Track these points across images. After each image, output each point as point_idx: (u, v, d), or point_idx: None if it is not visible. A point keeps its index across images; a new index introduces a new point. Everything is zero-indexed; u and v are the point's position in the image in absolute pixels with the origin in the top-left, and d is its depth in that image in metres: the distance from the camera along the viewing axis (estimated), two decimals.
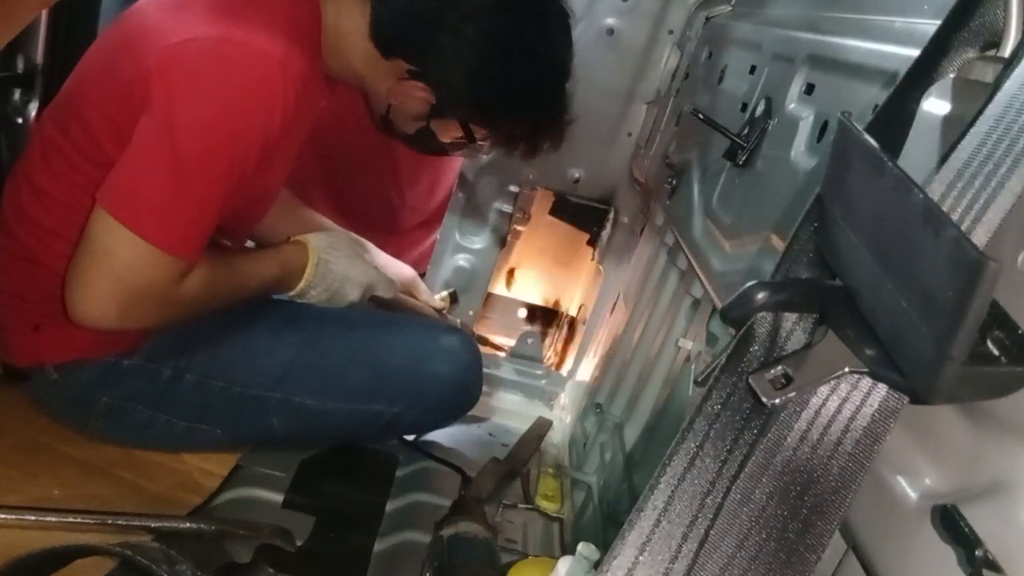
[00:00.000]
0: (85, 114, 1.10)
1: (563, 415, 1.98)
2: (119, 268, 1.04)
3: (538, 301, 2.21)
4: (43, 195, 1.14)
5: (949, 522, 0.51)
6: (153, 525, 1.07)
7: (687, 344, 1.34)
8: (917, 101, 0.62)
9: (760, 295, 0.54)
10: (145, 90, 1.03)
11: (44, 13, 1.40)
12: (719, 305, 1.09)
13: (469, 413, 1.87)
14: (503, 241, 2.02)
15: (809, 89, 1.00)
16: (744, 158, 1.10)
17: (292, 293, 1.27)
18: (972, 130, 0.50)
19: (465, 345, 1.45)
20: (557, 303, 2.22)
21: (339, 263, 1.30)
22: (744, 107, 1.19)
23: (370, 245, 1.52)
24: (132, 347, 1.22)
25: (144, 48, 1.06)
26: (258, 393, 1.27)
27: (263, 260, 1.26)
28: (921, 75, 0.61)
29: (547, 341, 2.20)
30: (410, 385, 1.36)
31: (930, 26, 0.64)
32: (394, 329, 1.44)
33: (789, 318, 0.55)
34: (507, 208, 1.98)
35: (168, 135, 1.02)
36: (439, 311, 1.64)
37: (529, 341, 2.11)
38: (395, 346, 1.39)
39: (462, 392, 1.43)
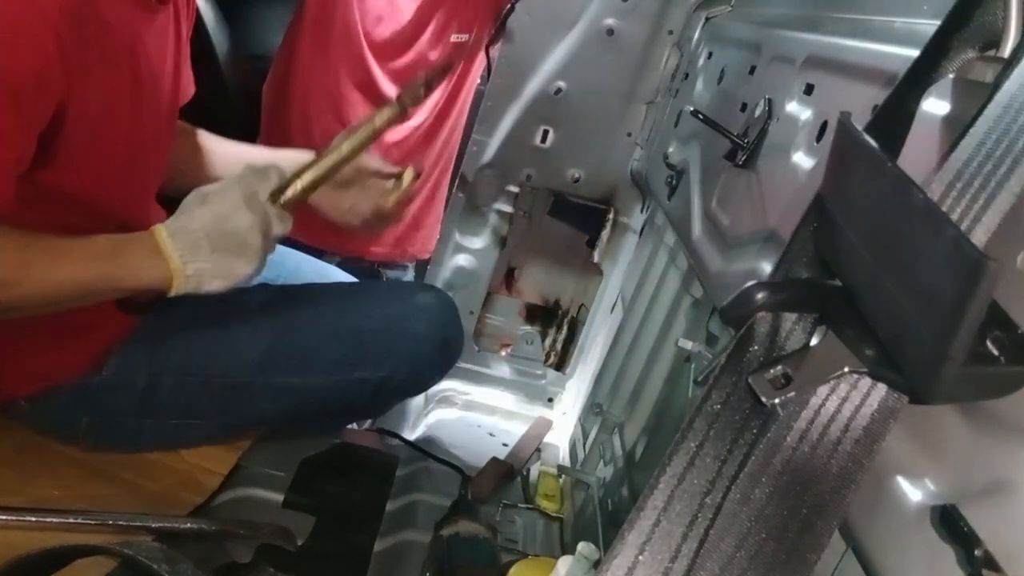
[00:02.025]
0: None
1: (563, 415, 1.98)
2: None
3: (538, 301, 2.22)
4: None
5: (949, 522, 0.51)
6: (154, 525, 1.07)
7: (687, 344, 1.34)
8: (917, 101, 0.62)
9: (760, 295, 0.54)
10: None
11: None
12: (719, 305, 1.09)
13: (470, 412, 1.88)
14: (503, 241, 2.02)
15: (809, 89, 1.00)
16: (744, 158, 1.10)
17: (178, 281, 1.05)
18: (972, 130, 0.50)
19: (440, 301, 1.44)
20: (557, 303, 2.22)
21: (194, 215, 1.07)
22: (744, 107, 1.19)
23: (236, 152, 1.36)
24: (98, 364, 1.19)
25: None
26: (240, 381, 1.26)
27: (92, 237, 1.04)
28: (921, 75, 0.61)
29: (547, 341, 2.20)
30: (391, 348, 1.34)
31: (930, 26, 0.64)
32: (368, 296, 1.43)
33: (789, 318, 0.55)
34: (507, 208, 1.98)
35: None
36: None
37: (529, 341, 2.11)
38: (371, 312, 1.37)
39: (444, 347, 1.41)
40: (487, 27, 1.83)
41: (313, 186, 1.14)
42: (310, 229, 1.65)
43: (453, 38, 1.81)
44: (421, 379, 1.44)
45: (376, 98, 1.79)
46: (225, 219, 1.07)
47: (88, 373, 1.19)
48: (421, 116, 1.84)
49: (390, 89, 1.79)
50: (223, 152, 1.37)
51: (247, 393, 1.27)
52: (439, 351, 1.40)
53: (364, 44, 1.75)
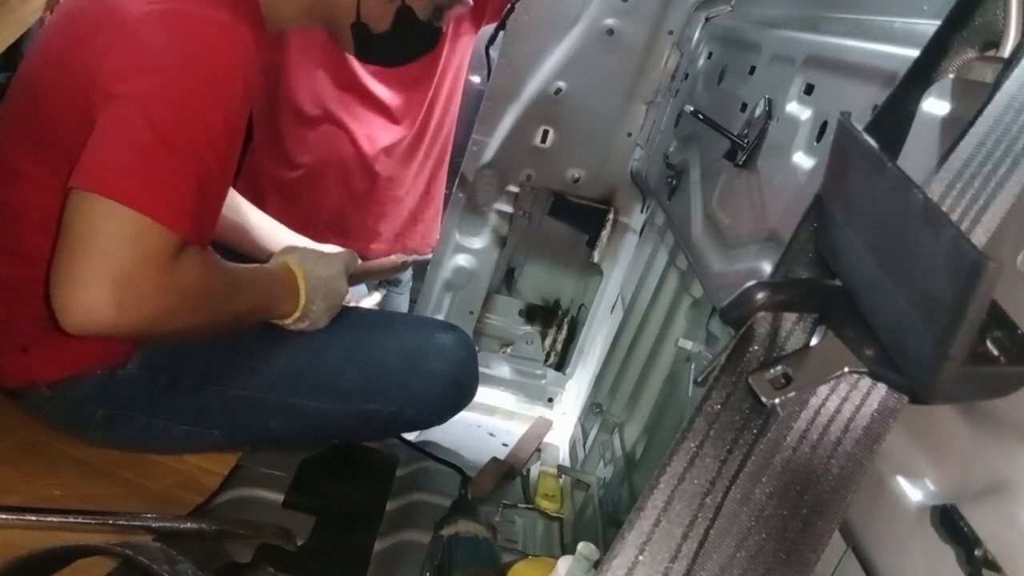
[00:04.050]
0: (47, 126, 1.07)
1: (563, 415, 1.98)
2: (106, 243, 0.93)
3: (538, 301, 2.22)
4: (14, 220, 1.11)
5: (949, 522, 0.51)
6: (154, 525, 1.07)
7: (687, 344, 1.34)
8: (917, 101, 0.62)
9: (760, 295, 0.54)
10: (101, 71, 1.01)
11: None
12: (719, 305, 1.09)
13: (470, 412, 1.88)
14: (503, 241, 2.02)
15: (809, 89, 1.00)
16: (744, 158, 1.10)
17: (295, 315, 1.23)
18: (972, 130, 0.50)
19: (460, 342, 1.44)
20: (557, 303, 2.22)
21: (318, 266, 1.26)
22: (744, 107, 1.19)
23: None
24: (125, 356, 1.20)
25: (91, 31, 1.04)
26: (254, 395, 1.27)
27: (251, 268, 1.21)
28: (921, 75, 0.61)
29: (547, 341, 2.20)
30: (405, 383, 1.35)
31: (930, 26, 0.64)
32: (388, 328, 1.44)
33: (789, 318, 0.55)
34: (507, 208, 1.98)
35: (138, 108, 0.98)
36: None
37: (529, 341, 2.11)
38: (389, 345, 1.38)
39: (457, 389, 1.41)
40: (464, 14, 1.83)
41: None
42: (313, 228, 1.65)
43: None
44: (431, 417, 1.44)
45: (366, 97, 1.78)
46: (334, 280, 1.28)
47: (115, 365, 1.20)
48: (407, 121, 1.84)
49: (377, 88, 1.78)
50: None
51: (258, 408, 1.28)
52: (452, 392, 1.40)
53: None
